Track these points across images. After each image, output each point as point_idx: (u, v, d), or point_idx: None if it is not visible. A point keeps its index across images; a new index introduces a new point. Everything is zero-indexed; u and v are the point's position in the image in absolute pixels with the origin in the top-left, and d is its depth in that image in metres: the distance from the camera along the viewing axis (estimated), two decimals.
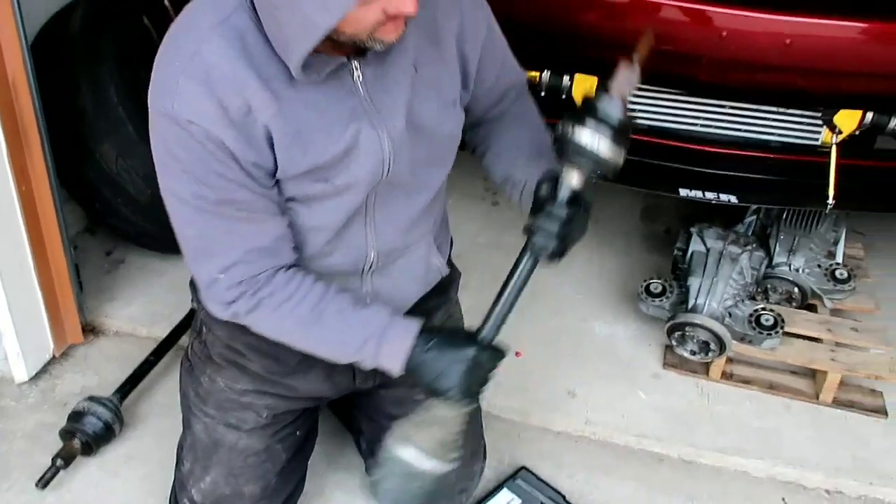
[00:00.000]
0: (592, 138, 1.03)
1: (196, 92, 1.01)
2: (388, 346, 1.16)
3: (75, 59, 1.90)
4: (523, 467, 1.69)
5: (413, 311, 1.39)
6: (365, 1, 0.94)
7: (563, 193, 1.09)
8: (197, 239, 1.13)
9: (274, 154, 1.08)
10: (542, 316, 2.11)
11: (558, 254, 1.12)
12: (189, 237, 1.14)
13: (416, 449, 1.12)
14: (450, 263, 1.50)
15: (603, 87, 1.05)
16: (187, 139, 1.03)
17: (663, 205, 2.57)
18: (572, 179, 1.07)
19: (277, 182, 1.13)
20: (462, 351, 1.14)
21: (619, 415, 1.84)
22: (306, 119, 1.08)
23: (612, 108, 1.03)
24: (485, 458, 1.59)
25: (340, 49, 1.04)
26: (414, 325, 1.17)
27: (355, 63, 1.08)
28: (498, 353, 1.16)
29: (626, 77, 1.05)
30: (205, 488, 1.43)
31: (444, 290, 1.44)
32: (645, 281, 2.02)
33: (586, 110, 1.06)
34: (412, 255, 1.32)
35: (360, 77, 1.09)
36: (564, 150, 1.06)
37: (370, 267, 1.27)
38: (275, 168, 1.10)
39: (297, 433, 1.49)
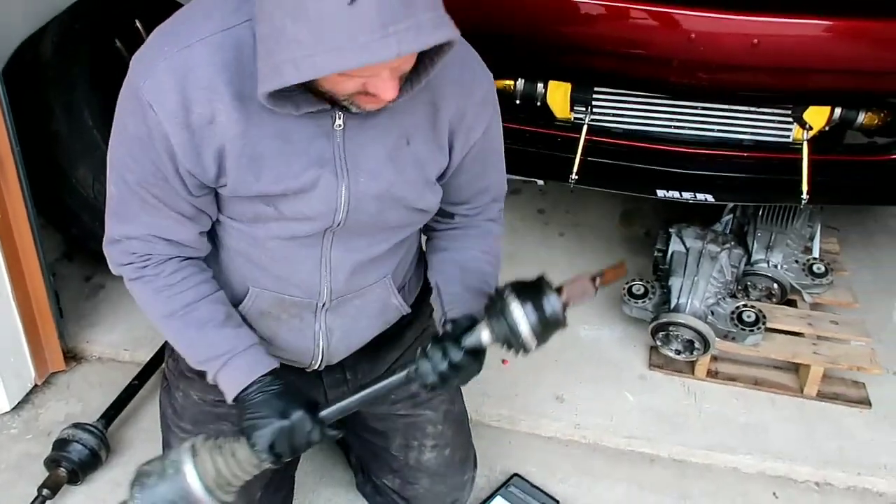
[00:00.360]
0: (520, 314, 1.06)
1: (168, 83, 1.02)
2: (229, 372, 1.17)
3: (48, 83, 1.89)
4: (516, 474, 1.69)
5: (386, 329, 1.38)
6: (343, 73, 0.93)
7: (469, 341, 1.12)
8: (115, 201, 1.16)
9: (218, 170, 1.08)
10: None
11: (431, 388, 1.14)
12: (111, 195, 1.16)
13: (194, 467, 1.10)
14: (424, 280, 1.48)
15: (559, 285, 1.09)
16: (141, 119, 1.04)
17: (642, 208, 2.60)
18: (483, 335, 1.11)
19: (217, 197, 1.14)
20: (290, 411, 1.13)
21: (607, 417, 1.85)
22: (270, 147, 1.06)
23: (553, 303, 1.07)
24: (475, 467, 1.59)
25: (325, 96, 1.03)
26: (263, 365, 1.18)
27: (339, 112, 1.07)
28: (321, 435, 1.15)
29: (583, 289, 1.09)
30: None
31: (417, 304, 1.43)
32: (627, 283, 2.04)
33: (532, 291, 1.09)
34: (369, 296, 1.30)
35: (342, 126, 1.09)
36: (493, 307, 1.10)
37: (323, 304, 1.26)
38: (215, 182, 1.10)
39: None
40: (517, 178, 2.69)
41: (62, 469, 1.59)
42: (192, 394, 1.40)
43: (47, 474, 1.60)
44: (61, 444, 1.62)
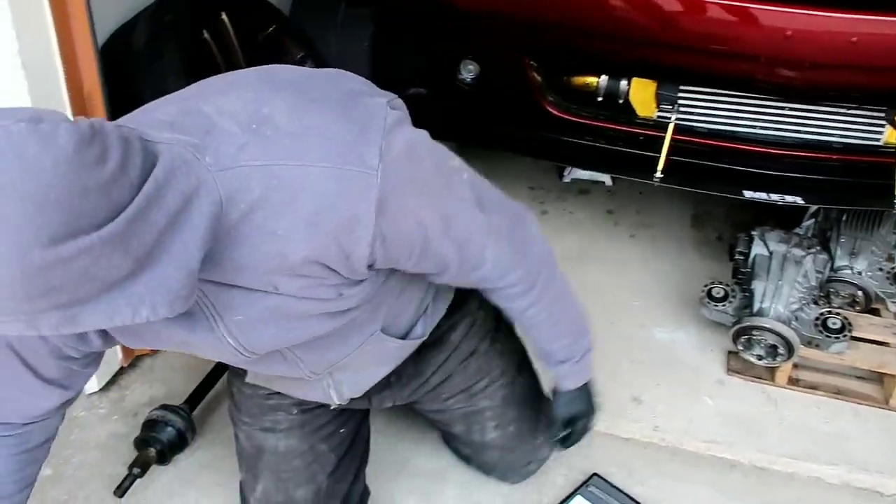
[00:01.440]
0: None
1: None
2: None
3: (139, 73, 1.93)
4: (595, 474, 1.68)
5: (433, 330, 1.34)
6: None
7: None
8: None
9: (104, 336, 1.02)
10: (600, 322, 2.07)
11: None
12: None
13: None
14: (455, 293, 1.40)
15: None
16: None
17: (713, 212, 2.56)
18: None
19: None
20: None
21: (686, 421, 1.82)
22: None
23: None
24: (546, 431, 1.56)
25: None
26: None
27: None
28: None
29: None
30: (258, 497, 1.44)
31: (465, 301, 1.40)
32: (706, 286, 2.00)
33: None
34: (364, 354, 1.21)
35: None
36: None
37: (317, 374, 1.21)
38: (104, 347, 1.05)
39: (342, 430, 1.47)
40: (586, 177, 2.70)
41: (151, 449, 1.62)
42: (244, 388, 1.42)
43: (136, 454, 1.63)
44: (151, 424, 1.65)
